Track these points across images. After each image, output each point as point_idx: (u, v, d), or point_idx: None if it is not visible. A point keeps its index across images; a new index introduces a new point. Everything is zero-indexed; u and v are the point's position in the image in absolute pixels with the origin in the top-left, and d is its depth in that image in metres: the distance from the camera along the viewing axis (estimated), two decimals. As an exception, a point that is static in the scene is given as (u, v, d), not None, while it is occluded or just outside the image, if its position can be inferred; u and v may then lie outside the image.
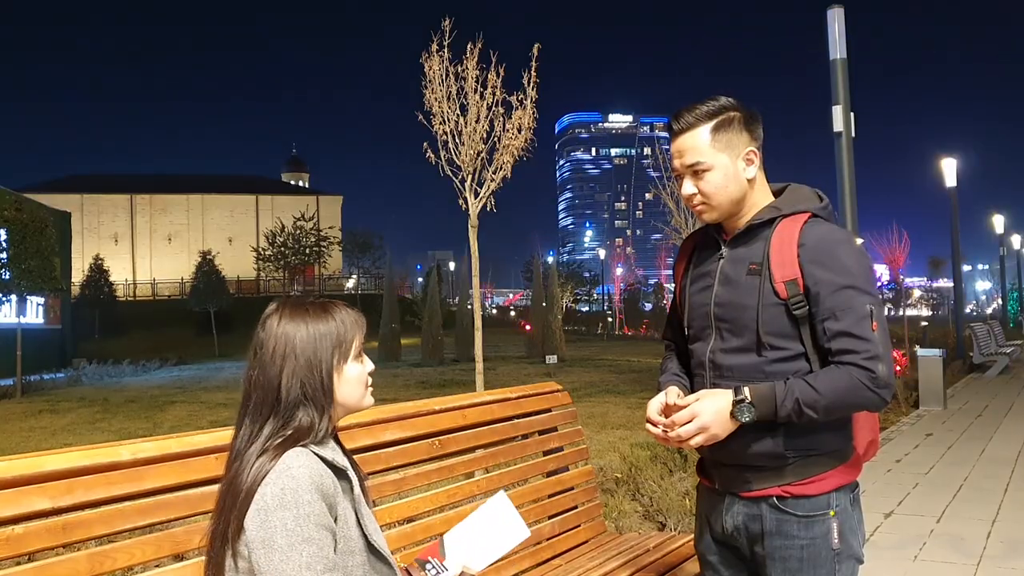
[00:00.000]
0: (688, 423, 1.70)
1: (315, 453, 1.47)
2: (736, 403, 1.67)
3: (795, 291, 1.70)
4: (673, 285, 2.07)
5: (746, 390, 1.68)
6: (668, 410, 1.77)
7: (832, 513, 1.73)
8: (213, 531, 1.47)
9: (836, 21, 8.71)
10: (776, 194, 1.85)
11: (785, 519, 1.73)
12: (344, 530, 1.46)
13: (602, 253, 75.92)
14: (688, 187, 1.79)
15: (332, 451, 1.52)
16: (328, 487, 1.44)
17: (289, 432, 1.47)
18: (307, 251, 51.05)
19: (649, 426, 1.82)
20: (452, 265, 61.73)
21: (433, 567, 1.57)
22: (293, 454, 1.44)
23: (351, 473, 1.54)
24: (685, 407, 1.72)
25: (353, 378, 1.56)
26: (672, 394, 1.83)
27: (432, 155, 6.44)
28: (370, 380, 1.60)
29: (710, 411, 1.69)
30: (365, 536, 1.51)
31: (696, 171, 1.76)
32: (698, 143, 1.75)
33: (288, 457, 1.43)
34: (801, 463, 1.73)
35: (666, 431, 1.77)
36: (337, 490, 1.47)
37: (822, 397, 1.64)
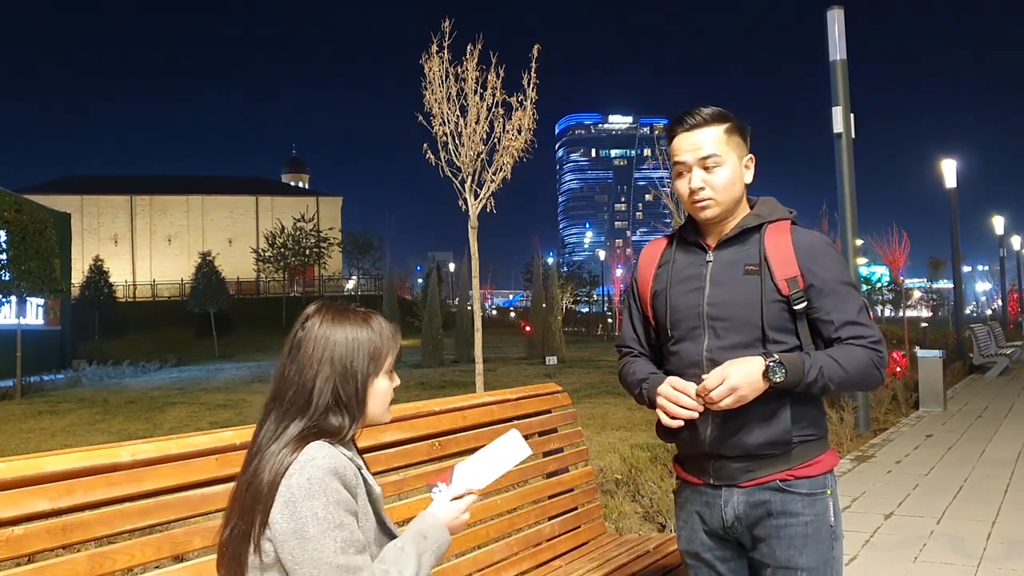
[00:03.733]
0: (719, 386, 1.74)
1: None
2: (769, 365, 1.73)
3: (796, 288, 1.82)
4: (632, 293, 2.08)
5: (775, 354, 1.75)
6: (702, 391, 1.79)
7: (828, 492, 1.85)
8: (232, 530, 1.45)
9: (836, 22, 8.72)
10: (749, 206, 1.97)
11: (790, 498, 1.82)
12: (363, 521, 1.47)
13: (602, 254, 75.68)
14: (697, 180, 1.85)
15: (352, 452, 1.54)
16: (350, 479, 1.45)
17: (315, 431, 1.47)
18: (307, 252, 51.12)
19: (664, 402, 1.82)
20: (452, 266, 61.57)
21: (439, 489, 1.65)
22: (316, 445, 1.44)
23: (365, 472, 1.55)
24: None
25: (380, 392, 1.56)
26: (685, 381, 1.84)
27: (432, 156, 6.45)
28: (391, 396, 1.61)
29: (740, 373, 1.73)
30: (382, 522, 1.54)
31: (709, 165, 1.84)
32: (715, 138, 1.85)
33: (311, 448, 1.44)
34: (802, 447, 1.83)
35: (683, 405, 1.79)
36: (358, 482, 1.48)
37: (844, 371, 1.77)
